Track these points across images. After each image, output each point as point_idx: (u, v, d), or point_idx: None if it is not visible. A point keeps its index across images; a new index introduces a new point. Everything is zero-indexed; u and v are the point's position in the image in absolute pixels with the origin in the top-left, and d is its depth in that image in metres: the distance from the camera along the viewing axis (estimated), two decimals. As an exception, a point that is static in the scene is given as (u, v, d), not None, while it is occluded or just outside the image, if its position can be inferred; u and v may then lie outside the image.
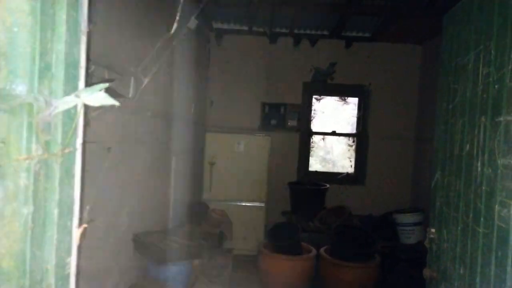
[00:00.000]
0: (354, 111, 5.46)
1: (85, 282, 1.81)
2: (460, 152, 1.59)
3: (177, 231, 2.87)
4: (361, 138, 5.33)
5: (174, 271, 2.47)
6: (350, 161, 5.47)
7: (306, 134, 5.30)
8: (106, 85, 0.63)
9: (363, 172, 5.27)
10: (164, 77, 2.97)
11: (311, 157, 5.47)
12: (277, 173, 5.06)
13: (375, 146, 5.23)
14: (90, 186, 1.77)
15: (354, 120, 5.47)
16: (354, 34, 5.01)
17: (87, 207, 1.54)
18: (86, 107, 0.70)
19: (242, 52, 5.15)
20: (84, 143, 0.72)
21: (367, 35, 4.99)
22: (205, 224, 3.77)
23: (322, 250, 3.82)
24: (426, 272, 1.84)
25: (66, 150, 0.68)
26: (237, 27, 4.94)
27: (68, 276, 0.73)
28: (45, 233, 0.67)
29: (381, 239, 4.01)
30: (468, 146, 1.51)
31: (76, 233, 0.73)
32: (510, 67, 1.22)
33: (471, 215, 1.45)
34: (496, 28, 1.34)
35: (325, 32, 4.99)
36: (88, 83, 0.73)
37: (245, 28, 4.94)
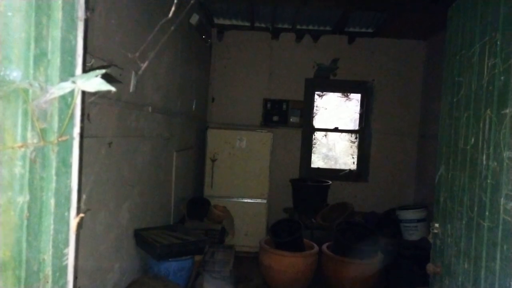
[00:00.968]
0: (357, 108, 5.43)
1: (86, 278, 1.80)
2: (464, 145, 1.56)
3: (178, 227, 2.86)
4: (364, 135, 5.30)
5: (176, 267, 2.46)
6: (353, 157, 5.44)
7: (308, 130, 5.28)
8: (103, 71, 0.61)
9: (366, 168, 5.25)
10: (165, 72, 2.95)
11: (314, 153, 5.45)
12: (279, 169, 5.05)
13: (378, 143, 5.20)
14: (91, 180, 1.76)
15: (356, 116, 5.44)
16: (357, 29, 4.97)
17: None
18: (84, 96, 0.68)
19: (244, 48, 5.13)
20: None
21: (370, 30, 4.95)
22: (207, 220, 3.76)
23: (324, 246, 3.80)
24: (430, 267, 1.82)
25: (63, 138, 0.67)
26: (239, 22, 4.92)
27: (65, 267, 0.72)
28: (41, 223, 0.66)
29: (384, 236, 3.99)
30: (473, 139, 1.49)
31: (73, 223, 0.71)
32: (516, 58, 1.20)
33: (475, 209, 1.43)
34: (502, 18, 1.31)
35: (328, 28, 4.95)
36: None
37: (247, 23, 4.92)
